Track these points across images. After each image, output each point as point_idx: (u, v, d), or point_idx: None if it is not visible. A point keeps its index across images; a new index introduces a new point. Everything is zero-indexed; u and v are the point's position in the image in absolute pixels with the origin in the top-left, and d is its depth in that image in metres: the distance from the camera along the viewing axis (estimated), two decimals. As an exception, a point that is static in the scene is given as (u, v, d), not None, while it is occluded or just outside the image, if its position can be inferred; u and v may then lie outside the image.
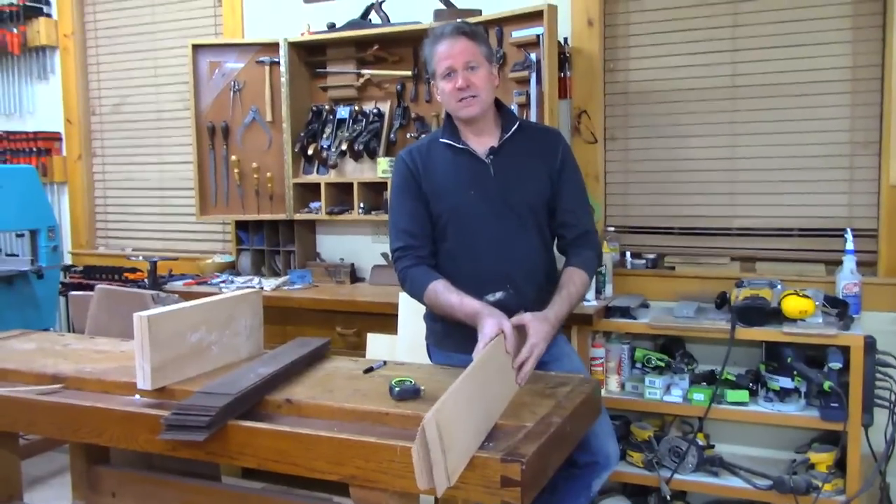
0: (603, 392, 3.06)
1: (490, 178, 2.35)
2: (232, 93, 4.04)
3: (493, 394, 1.86)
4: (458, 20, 2.48)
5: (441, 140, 2.41)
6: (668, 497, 3.03)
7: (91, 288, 3.35)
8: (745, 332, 2.91)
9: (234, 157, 4.04)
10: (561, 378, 2.17)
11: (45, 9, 4.95)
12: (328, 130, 3.92)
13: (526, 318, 2.14)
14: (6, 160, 4.97)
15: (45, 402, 2.14)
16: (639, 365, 3.27)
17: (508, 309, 2.27)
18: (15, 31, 4.90)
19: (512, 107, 3.28)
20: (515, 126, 2.40)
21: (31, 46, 4.95)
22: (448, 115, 2.43)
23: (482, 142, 2.38)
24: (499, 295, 2.33)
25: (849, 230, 3.04)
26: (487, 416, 1.78)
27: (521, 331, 2.10)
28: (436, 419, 1.51)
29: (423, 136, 3.32)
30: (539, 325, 2.13)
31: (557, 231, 2.46)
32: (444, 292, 2.26)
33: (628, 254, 3.54)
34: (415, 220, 2.39)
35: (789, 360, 2.90)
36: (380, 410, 1.91)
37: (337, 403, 1.97)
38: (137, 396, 2.12)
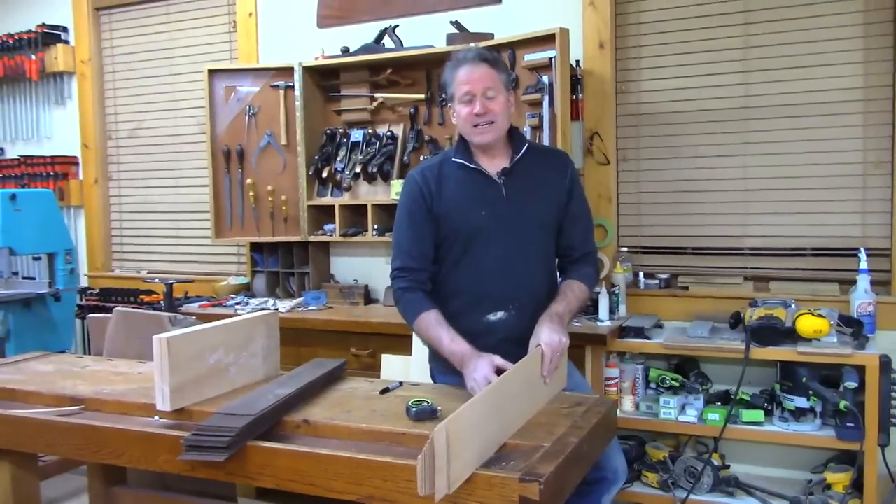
0: (618, 412, 3.05)
1: (502, 199, 2.37)
2: (247, 117, 4.09)
3: (511, 411, 1.88)
4: (477, 46, 2.51)
5: (454, 160, 2.43)
6: (685, 518, 3.03)
7: (107, 310, 3.38)
8: (760, 352, 2.91)
9: (249, 180, 4.09)
10: (577, 398, 2.18)
11: (63, 35, 5.04)
12: (342, 153, 3.97)
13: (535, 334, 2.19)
14: (24, 184, 5.04)
15: (65, 423, 2.15)
16: (653, 385, 3.27)
17: (508, 329, 2.29)
18: (33, 57, 4.99)
19: (525, 129, 3.31)
20: (525, 148, 2.42)
21: (49, 72, 5.03)
22: (462, 137, 2.44)
23: (494, 163, 2.41)
24: (500, 315, 2.36)
25: (862, 249, 3.05)
26: (500, 433, 1.80)
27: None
28: (447, 429, 1.54)
29: (435, 155, 3.33)
30: (541, 326, 2.19)
31: (561, 252, 2.48)
32: (435, 325, 2.29)
33: (641, 274, 3.55)
34: (417, 243, 2.40)
35: (804, 379, 2.89)
36: (397, 431, 1.92)
37: (354, 424, 1.98)
38: (156, 418, 2.14)
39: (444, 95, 3.70)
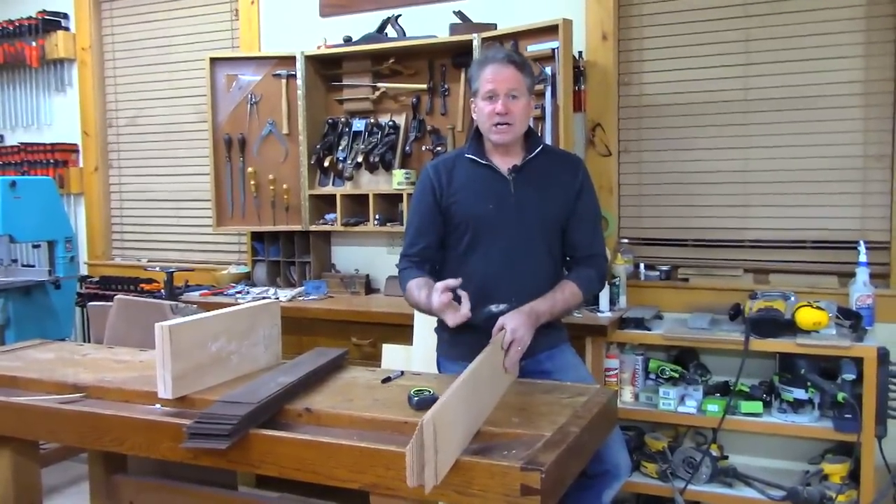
0: (617, 403, 3.07)
1: (509, 194, 2.42)
2: (249, 105, 4.08)
3: (483, 398, 1.91)
4: (507, 47, 2.55)
5: (466, 155, 2.49)
6: (683, 508, 3.04)
7: (107, 298, 3.38)
8: (759, 344, 2.92)
9: (250, 169, 4.08)
10: (578, 388, 2.19)
11: (64, 22, 5.02)
12: (344, 143, 3.96)
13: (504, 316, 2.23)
14: (24, 172, 5.03)
15: (68, 410, 2.16)
16: (653, 376, 3.28)
17: None
18: (34, 44, 4.98)
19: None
20: (539, 148, 2.47)
21: (49, 59, 5.02)
22: (476, 132, 2.49)
23: (506, 160, 2.46)
24: (503, 307, 2.38)
25: (862, 242, 3.05)
26: (476, 419, 1.83)
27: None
28: (433, 420, 1.55)
29: (451, 150, 3.44)
30: (514, 314, 2.23)
31: (567, 252, 2.52)
32: (415, 288, 2.38)
33: (642, 265, 3.56)
34: (421, 233, 2.51)
35: (803, 371, 2.91)
36: (399, 420, 1.93)
37: (357, 413, 1.99)
38: (158, 405, 2.14)
39: (445, 86, 3.75)
